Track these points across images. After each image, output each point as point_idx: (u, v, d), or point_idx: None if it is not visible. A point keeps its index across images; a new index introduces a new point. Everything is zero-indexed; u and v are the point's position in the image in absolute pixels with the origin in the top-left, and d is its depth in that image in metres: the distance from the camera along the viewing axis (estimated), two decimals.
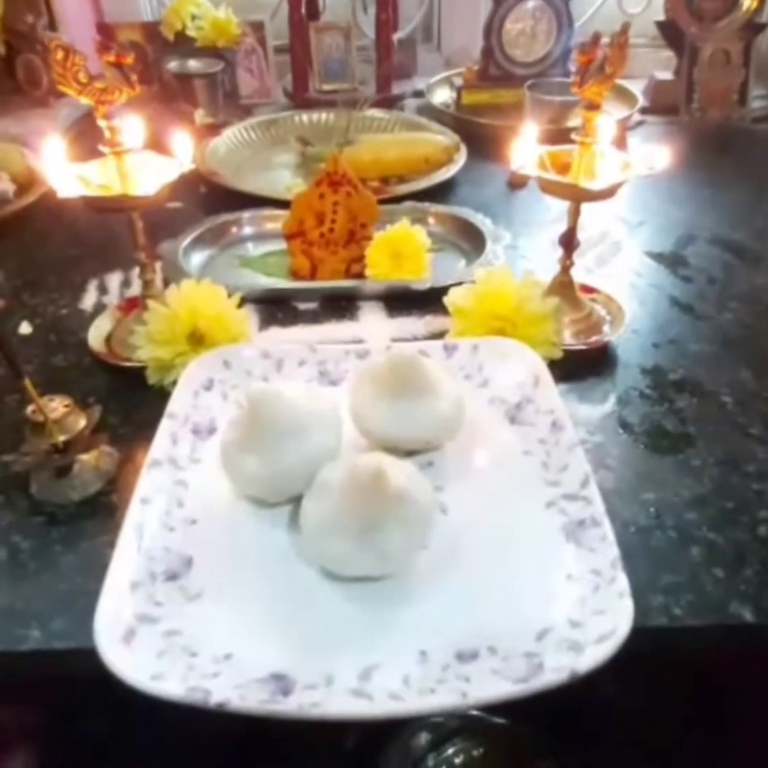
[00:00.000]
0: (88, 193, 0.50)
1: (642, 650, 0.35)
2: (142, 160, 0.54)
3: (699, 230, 0.80)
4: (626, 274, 0.72)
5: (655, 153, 0.53)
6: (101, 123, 0.49)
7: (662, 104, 1.17)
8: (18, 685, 0.40)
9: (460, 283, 0.64)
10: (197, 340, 0.54)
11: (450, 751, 0.68)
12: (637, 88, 1.18)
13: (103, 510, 0.46)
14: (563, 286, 0.60)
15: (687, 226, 0.81)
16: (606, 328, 0.61)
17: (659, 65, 1.27)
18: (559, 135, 1.02)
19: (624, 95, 1.16)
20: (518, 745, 0.67)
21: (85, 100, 0.48)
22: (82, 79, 0.47)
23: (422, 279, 0.66)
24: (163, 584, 0.39)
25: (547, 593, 0.39)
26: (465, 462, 0.48)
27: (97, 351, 0.58)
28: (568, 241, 0.57)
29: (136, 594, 0.38)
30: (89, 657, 0.34)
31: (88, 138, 0.98)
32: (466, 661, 0.36)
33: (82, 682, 0.40)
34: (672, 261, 0.74)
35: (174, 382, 0.54)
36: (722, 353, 0.60)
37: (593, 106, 0.51)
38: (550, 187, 0.53)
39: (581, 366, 0.57)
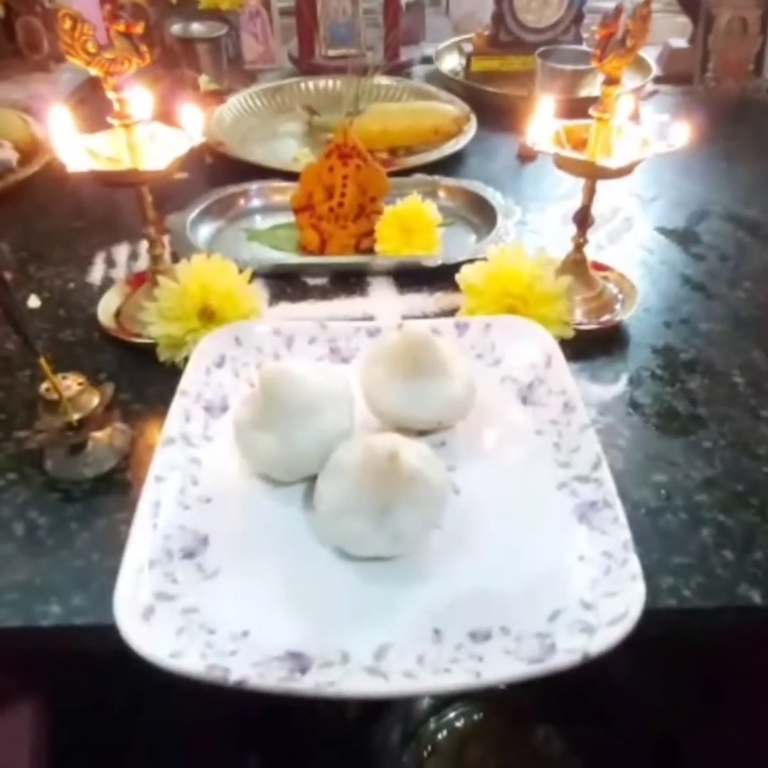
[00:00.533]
0: (98, 167, 0.49)
1: (651, 632, 0.35)
2: (151, 131, 0.53)
3: (712, 206, 0.79)
4: (638, 251, 0.71)
5: (673, 129, 0.52)
6: (110, 95, 0.48)
7: (676, 73, 1.15)
8: (37, 659, 0.41)
9: (471, 260, 0.64)
10: (208, 317, 0.54)
11: (451, 715, 0.70)
12: (650, 55, 1.16)
13: (117, 487, 0.46)
14: (576, 264, 0.59)
15: (700, 201, 0.80)
16: (617, 306, 0.61)
17: (674, 32, 1.24)
18: (571, 105, 1.00)
19: (637, 63, 1.13)
20: (518, 710, 0.69)
21: (93, 71, 0.47)
22: (90, 50, 0.46)
23: (433, 255, 0.65)
24: (180, 562, 0.39)
25: (559, 574, 0.39)
26: (477, 442, 0.48)
27: (106, 326, 0.58)
28: (583, 219, 0.57)
29: (154, 572, 0.38)
30: (108, 633, 0.34)
31: (90, 104, 0.96)
32: (480, 640, 0.36)
33: (99, 658, 0.41)
34: (684, 238, 0.74)
35: (185, 359, 0.54)
36: (734, 333, 0.60)
37: (613, 81, 0.50)
38: (566, 164, 0.53)
39: (592, 345, 0.57)
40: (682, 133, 0.51)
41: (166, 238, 0.69)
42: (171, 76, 1.05)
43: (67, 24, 0.44)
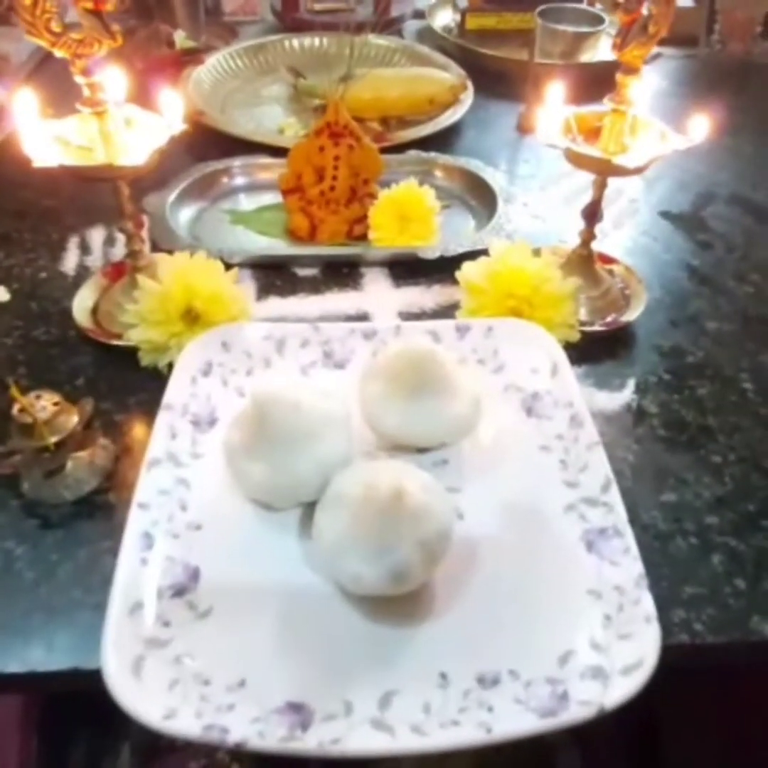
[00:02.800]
0: (69, 161, 0.44)
1: (661, 667, 0.34)
2: (126, 116, 0.49)
3: (718, 188, 0.76)
4: (642, 238, 0.68)
5: (694, 121, 0.48)
6: (79, 79, 0.43)
7: (680, 34, 1.09)
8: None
9: (471, 252, 0.61)
10: (192, 319, 0.51)
11: None
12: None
13: (100, 510, 0.44)
14: (582, 260, 0.56)
15: (705, 182, 0.77)
16: (624, 305, 0.58)
17: None
18: (571, 71, 0.96)
19: None
20: None
21: (59, 53, 0.42)
22: (54, 29, 0.41)
23: (431, 246, 0.62)
24: (170, 601, 0.37)
25: (568, 610, 0.37)
26: (481, 459, 0.46)
27: (83, 326, 0.54)
28: (592, 214, 0.53)
29: (143, 614, 0.36)
30: (93, 678, 0.33)
31: (57, 63, 0.89)
32: (488, 686, 0.35)
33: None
34: (690, 223, 0.71)
35: (168, 364, 0.51)
36: (742, 333, 0.58)
37: (632, 70, 0.46)
38: (578, 160, 0.49)
39: (598, 347, 0.55)
40: (701, 126, 0.48)
41: (144, 219, 0.64)
42: (145, 30, 0.98)
43: (27, 0, 0.39)
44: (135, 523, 0.39)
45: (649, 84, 0.50)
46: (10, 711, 0.58)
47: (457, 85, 0.84)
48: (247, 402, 0.41)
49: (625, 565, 0.38)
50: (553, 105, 0.51)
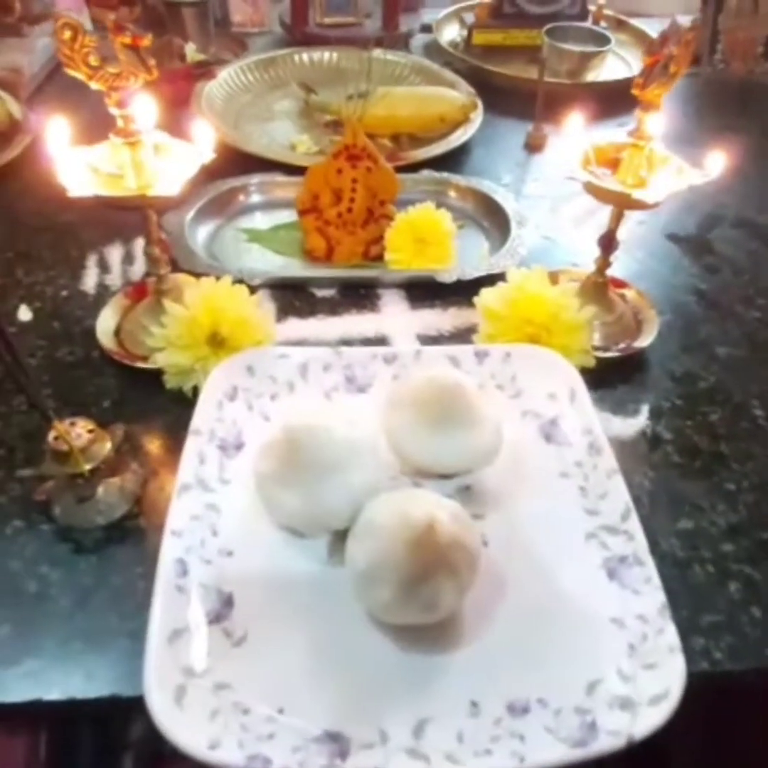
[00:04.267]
0: (102, 192, 0.45)
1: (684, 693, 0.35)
2: (155, 142, 0.49)
3: (724, 209, 0.78)
4: (650, 261, 0.70)
5: (709, 157, 0.49)
6: (114, 111, 0.44)
7: None
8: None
9: (487, 275, 0.62)
10: (218, 344, 0.51)
11: None
12: (654, 28, 1.12)
13: (131, 535, 0.44)
14: (597, 287, 0.57)
15: (711, 203, 0.79)
16: (637, 330, 0.59)
17: (681, 6, 1.19)
18: (577, 91, 0.97)
19: (643, 41, 1.09)
20: None
21: (95, 86, 0.42)
22: (92, 63, 0.41)
23: (447, 269, 0.63)
24: (206, 628, 0.38)
25: (594, 638, 0.39)
26: (502, 486, 0.47)
27: (107, 348, 0.55)
28: (608, 244, 0.55)
29: (181, 642, 0.37)
30: (131, 704, 0.33)
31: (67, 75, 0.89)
32: (518, 714, 0.36)
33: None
34: (697, 246, 0.72)
35: (193, 388, 0.51)
36: (751, 358, 0.59)
37: (652, 107, 0.47)
38: (597, 192, 0.50)
39: (612, 372, 0.56)
40: (717, 161, 0.49)
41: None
42: (157, 42, 0.98)
43: (67, 35, 0.40)
44: (169, 549, 0.40)
45: (663, 118, 0.51)
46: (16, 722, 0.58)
47: (468, 104, 0.85)
48: (278, 431, 0.42)
49: (648, 594, 0.39)
50: (572, 134, 0.52)
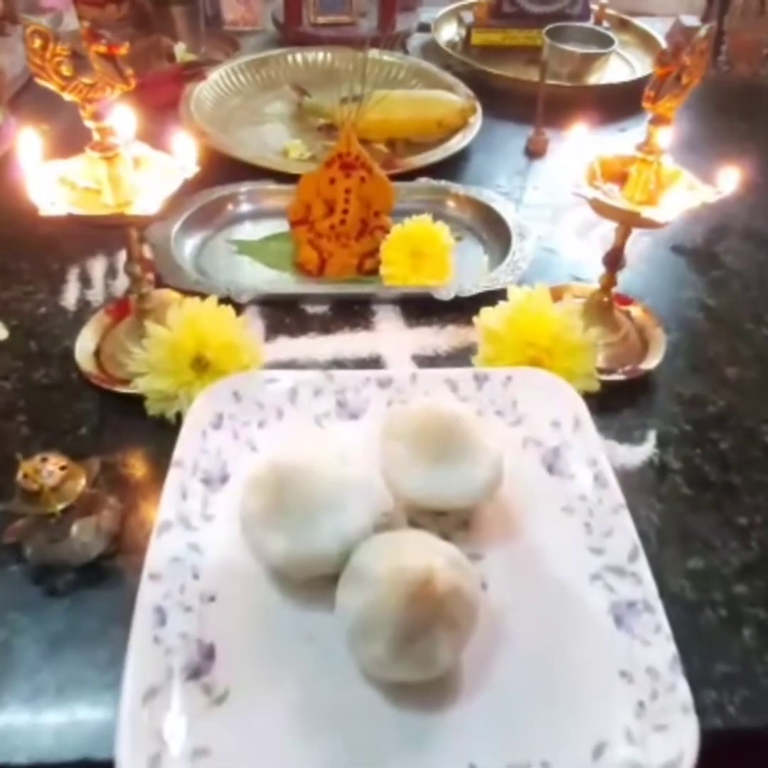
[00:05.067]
0: (77, 210, 0.42)
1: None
2: (135, 155, 0.47)
3: (731, 220, 0.75)
4: (655, 275, 0.67)
5: (723, 173, 0.47)
6: (89, 124, 0.41)
7: None
8: None
9: (487, 292, 0.59)
10: (202, 368, 0.49)
11: None
12: (658, 29, 1.09)
13: (108, 577, 0.42)
14: (601, 306, 0.55)
15: (718, 213, 0.75)
16: (643, 350, 0.57)
17: (684, 6, 1.17)
18: (579, 94, 0.94)
19: (646, 42, 1.07)
20: None
21: (69, 97, 0.40)
22: (65, 73, 0.38)
23: (445, 285, 0.60)
24: (184, 685, 0.35)
25: (601, 694, 0.36)
26: (502, 522, 0.44)
27: (86, 371, 0.52)
28: (613, 261, 0.52)
29: (157, 702, 0.34)
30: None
31: None
32: None
33: None
34: (703, 259, 0.69)
35: (177, 414, 0.49)
36: (762, 380, 0.57)
37: (663, 121, 0.44)
38: (604, 210, 0.47)
39: (616, 395, 0.53)
40: (730, 178, 0.47)
41: (149, 257, 0.62)
42: (144, 42, 0.95)
43: (37, 43, 0.37)
44: (146, 596, 0.38)
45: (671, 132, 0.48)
46: None
47: (467, 108, 0.82)
48: (265, 468, 0.39)
49: (658, 645, 0.37)
50: (576, 143, 0.49)
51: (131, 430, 0.49)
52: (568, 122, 0.87)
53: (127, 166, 0.45)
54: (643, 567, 0.40)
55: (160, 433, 0.48)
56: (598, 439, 0.47)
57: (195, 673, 0.36)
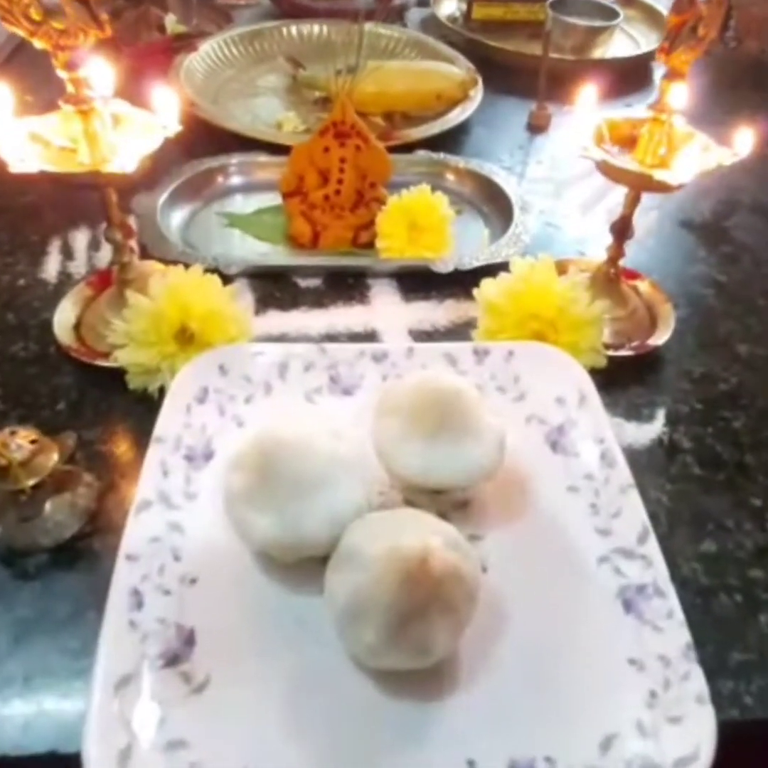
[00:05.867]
0: (50, 167, 0.39)
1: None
2: (114, 112, 0.44)
3: (741, 194, 0.72)
4: (663, 250, 0.64)
5: (739, 134, 0.44)
6: (62, 74, 0.38)
7: None
8: None
9: (487, 265, 0.57)
10: (187, 340, 0.46)
11: None
12: (664, 5, 1.06)
13: (83, 559, 0.39)
14: (608, 279, 0.52)
15: (727, 187, 0.73)
16: (651, 326, 0.54)
17: None
18: (582, 68, 0.91)
19: (654, 17, 1.03)
20: None
21: (39, 45, 0.37)
22: (34, 17, 0.36)
23: (444, 258, 0.57)
24: (161, 672, 0.33)
25: (608, 682, 0.34)
26: (504, 501, 0.42)
27: (65, 344, 0.49)
28: (622, 230, 0.49)
29: (130, 690, 0.32)
30: (74, 763, 0.28)
31: None
32: None
33: None
34: (713, 234, 0.67)
35: (160, 389, 0.46)
36: None
37: (677, 76, 0.41)
38: (613, 173, 0.45)
39: (624, 372, 0.51)
40: (746, 138, 0.44)
41: (132, 224, 0.60)
42: (133, 13, 0.92)
43: None
44: (123, 578, 0.35)
45: (687, 91, 0.45)
46: None
47: (468, 81, 0.79)
48: (250, 443, 0.37)
49: (670, 631, 0.35)
50: (582, 110, 0.47)
51: (112, 405, 0.47)
52: (571, 97, 0.84)
53: (106, 123, 0.42)
54: (653, 549, 0.38)
55: (142, 409, 0.46)
56: (604, 415, 0.44)
57: (173, 660, 0.34)
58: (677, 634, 0.34)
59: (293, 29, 0.93)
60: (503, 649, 0.35)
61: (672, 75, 0.41)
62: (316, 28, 0.93)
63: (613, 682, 0.34)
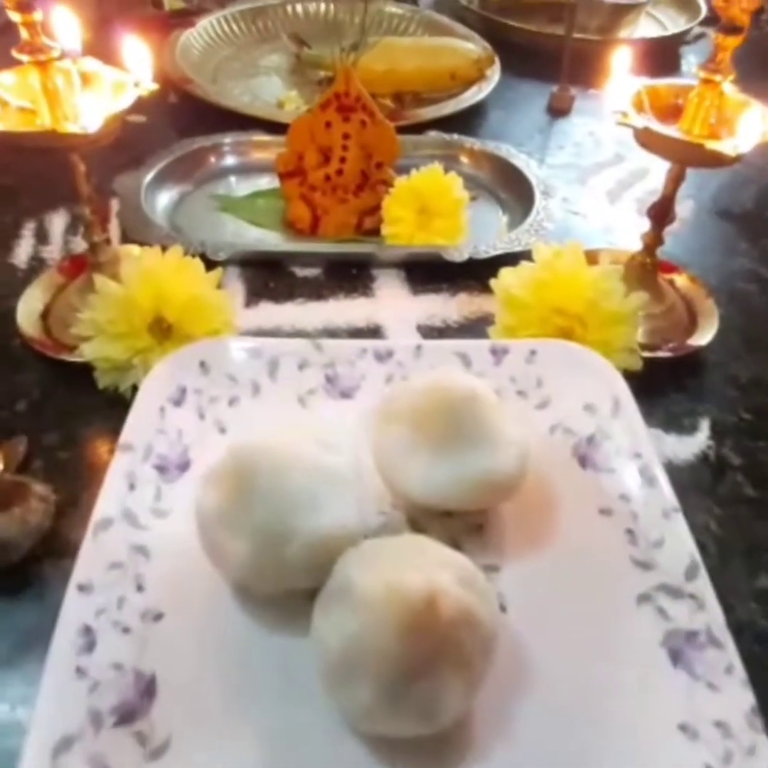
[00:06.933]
0: (1, 127, 0.34)
1: None
2: (84, 71, 0.38)
3: None
4: (700, 243, 0.58)
5: None
6: (13, 16, 0.32)
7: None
8: None
9: (506, 254, 0.51)
10: (163, 332, 0.40)
11: None
12: None
13: (31, 587, 0.33)
14: (644, 270, 0.46)
15: (766, 175, 0.67)
16: (691, 324, 0.48)
17: None
18: (607, 48, 0.85)
19: (683, 0, 0.97)
20: None
21: None
22: None
23: (457, 245, 0.52)
24: (112, 731, 0.27)
25: (653, 753, 0.28)
26: (525, 525, 0.36)
27: (29, 335, 0.43)
28: (662, 213, 0.43)
29: (71, 756, 0.26)
30: None
31: None
32: None
33: None
34: (755, 226, 0.61)
35: (133, 387, 0.40)
36: None
37: (734, 30, 0.35)
38: (657, 144, 0.39)
39: (661, 376, 0.45)
40: None
41: (114, 203, 0.54)
42: None
43: None
44: (72, 613, 0.30)
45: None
46: None
47: (483, 59, 0.73)
48: (225, 455, 0.31)
49: (729, 691, 0.29)
50: (622, 76, 0.41)
51: (78, 405, 0.41)
52: (595, 80, 0.79)
53: (72, 82, 0.36)
54: (704, 587, 0.32)
55: (112, 411, 0.40)
56: (642, 426, 0.38)
57: (128, 715, 0.28)
58: (739, 696, 0.28)
59: (298, 7, 0.87)
60: (525, 711, 0.29)
61: (728, 28, 0.35)
62: (322, 6, 0.88)
63: (659, 753, 0.28)
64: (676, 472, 0.40)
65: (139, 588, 0.32)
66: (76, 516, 0.36)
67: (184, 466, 0.37)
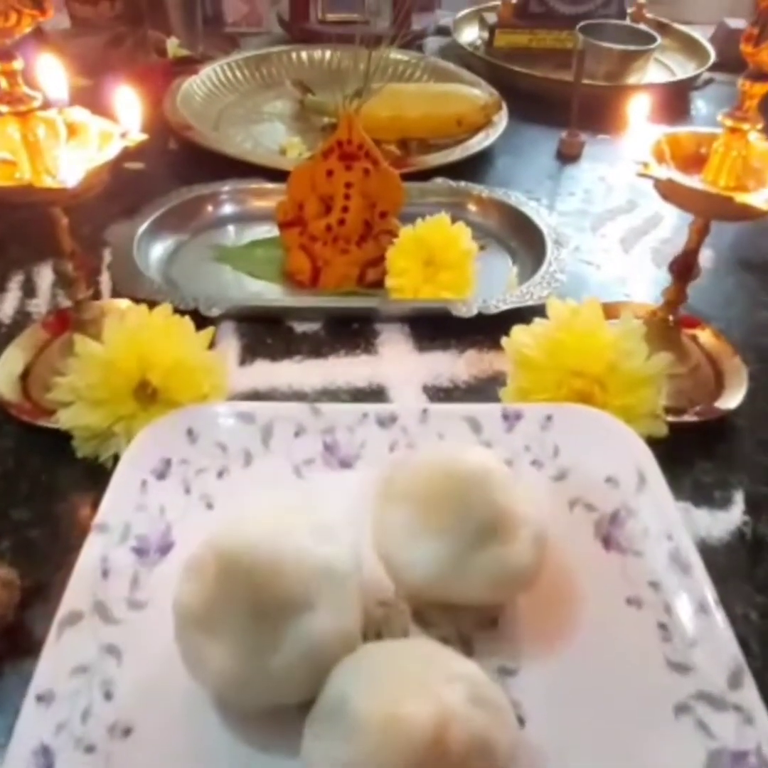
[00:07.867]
0: None
1: None
2: (70, 121, 0.36)
3: None
4: (720, 295, 0.55)
5: None
6: None
7: (733, 58, 0.97)
8: None
9: (517, 309, 0.48)
10: (148, 397, 0.37)
11: None
12: (700, 34, 0.99)
13: None
14: (666, 327, 0.43)
15: None
16: (716, 385, 0.45)
17: (726, 9, 1.07)
18: (616, 94, 0.84)
19: (691, 47, 0.96)
20: None
21: None
22: None
23: (465, 299, 0.49)
24: None
25: None
26: (543, 617, 0.32)
27: (5, 398, 0.41)
28: (685, 268, 0.40)
29: None
30: None
31: None
32: None
33: None
34: None
35: (114, 456, 0.37)
36: None
37: (763, 77, 0.33)
38: (680, 197, 0.36)
39: (687, 443, 0.41)
40: None
41: (106, 252, 0.52)
42: (134, 39, 0.86)
43: None
44: (28, 729, 0.26)
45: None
46: None
47: (490, 104, 0.72)
48: (204, 547, 0.28)
49: None
50: (639, 123, 0.38)
51: (54, 477, 0.38)
52: (604, 125, 0.77)
53: (57, 132, 0.34)
54: (751, 697, 0.28)
55: (91, 482, 0.37)
56: (672, 502, 0.35)
57: None
58: None
59: (303, 54, 0.86)
60: None
61: (758, 74, 0.33)
62: (326, 53, 0.87)
63: None
64: (709, 553, 0.36)
65: (107, 696, 0.28)
66: (45, 607, 0.32)
67: (165, 548, 0.34)
